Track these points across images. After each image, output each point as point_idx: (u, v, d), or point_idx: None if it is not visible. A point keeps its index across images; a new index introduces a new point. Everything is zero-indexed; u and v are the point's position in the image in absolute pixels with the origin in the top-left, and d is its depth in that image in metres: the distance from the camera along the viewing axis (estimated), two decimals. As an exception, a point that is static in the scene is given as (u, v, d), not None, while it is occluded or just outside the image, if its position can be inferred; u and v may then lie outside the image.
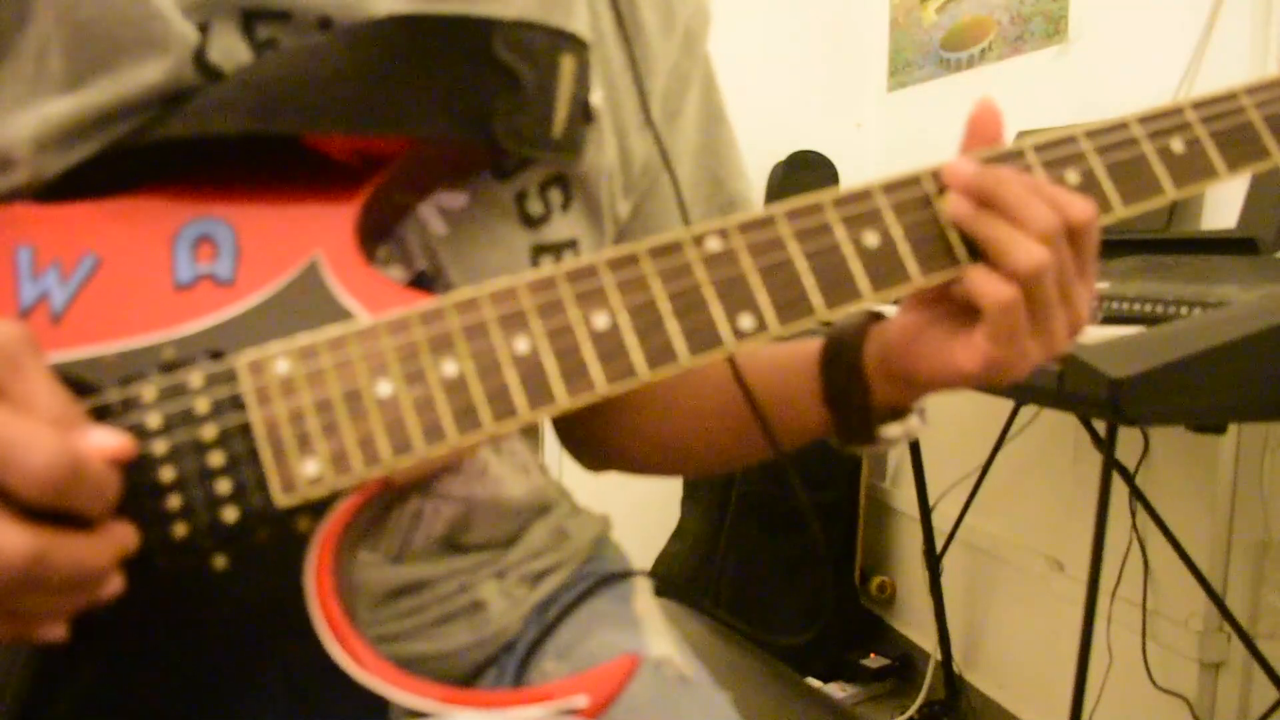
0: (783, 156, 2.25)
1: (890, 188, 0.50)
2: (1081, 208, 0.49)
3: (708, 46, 0.74)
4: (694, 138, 0.72)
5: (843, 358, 0.59)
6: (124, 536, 0.41)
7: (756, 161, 2.23)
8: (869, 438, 0.60)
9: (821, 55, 2.41)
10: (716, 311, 0.47)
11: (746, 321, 0.47)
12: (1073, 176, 0.51)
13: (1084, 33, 1.72)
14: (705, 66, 0.73)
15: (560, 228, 0.62)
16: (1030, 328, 0.49)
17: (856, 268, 0.49)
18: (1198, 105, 0.53)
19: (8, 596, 0.38)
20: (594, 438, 0.74)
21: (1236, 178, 0.53)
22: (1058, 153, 0.52)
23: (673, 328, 0.47)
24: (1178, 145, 0.53)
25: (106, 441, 0.40)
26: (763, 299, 0.48)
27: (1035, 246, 0.47)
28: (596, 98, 0.62)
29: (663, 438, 0.72)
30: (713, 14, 0.74)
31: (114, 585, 0.41)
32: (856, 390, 0.58)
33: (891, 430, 0.59)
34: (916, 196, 0.50)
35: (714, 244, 0.48)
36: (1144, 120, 0.53)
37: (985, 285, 0.48)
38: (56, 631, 0.40)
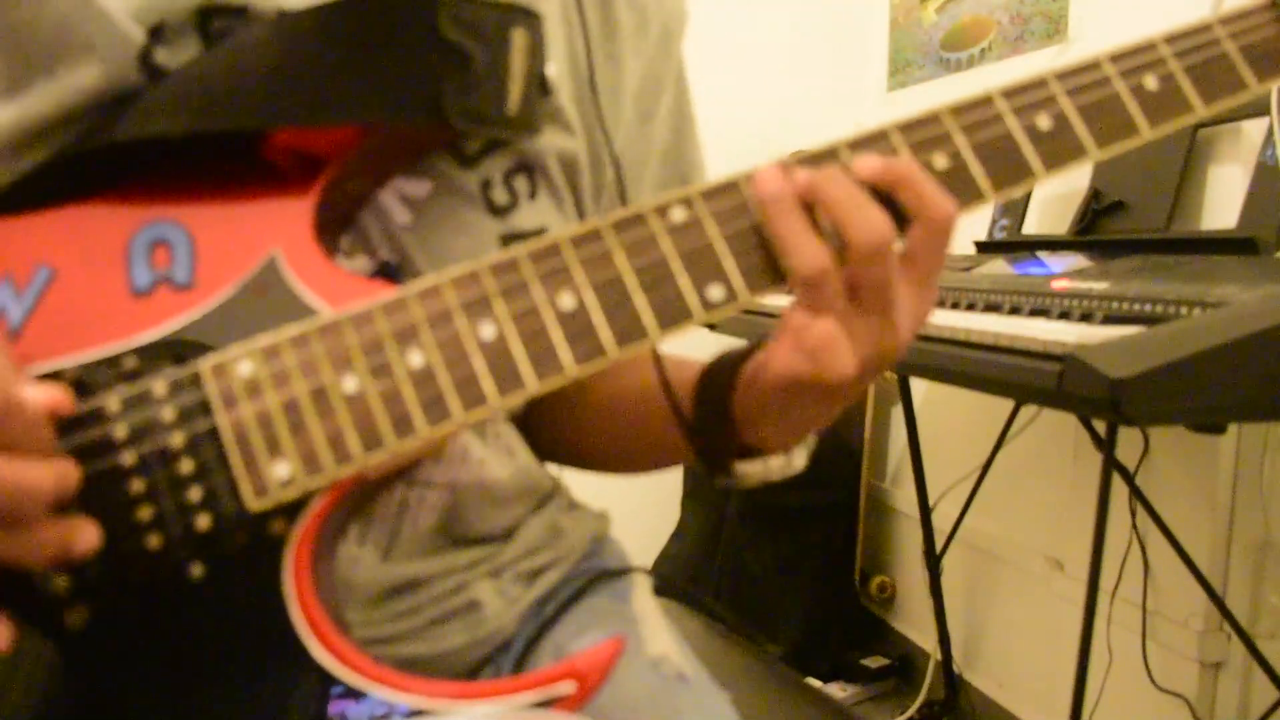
0: (783, 156, 2.25)
1: (855, 145, 0.49)
2: (941, 204, 0.46)
3: (683, 47, 0.73)
4: (665, 138, 0.72)
5: (712, 392, 0.57)
6: (64, 465, 0.41)
7: (756, 161, 2.23)
8: (727, 471, 0.58)
9: (821, 55, 2.40)
10: (684, 283, 0.46)
11: (716, 292, 0.46)
12: (1044, 121, 0.49)
13: (1084, 33, 1.72)
14: (679, 63, 0.73)
15: (529, 216, 0.61)
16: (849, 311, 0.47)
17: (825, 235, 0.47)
18: (1170, 39, 0.51)
19: None
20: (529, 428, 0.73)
21: (1213, 112, 0.51)
22: (1028, 98, 0.49)
23: (640, 303, 0.46)
24: (1151, 82, 0.51)
25: (45, 392, 0.41)
26: (730, 267, 0.47)
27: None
28: (552, 70, 0.61)
29: (597, 444, 0.71)
30: (689, 13, 0.73)
31: (87, 536, 0.41)
32: (716, 426, 0.56)
33: (749, 468, 0.57)
34: (883, 154, 0.48)
35: (679, 214, 0.47)
36: (1116, 58, 0.51)
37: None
38: None
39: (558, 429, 0.71)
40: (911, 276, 0.47)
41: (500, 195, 0.60)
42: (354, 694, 0.45)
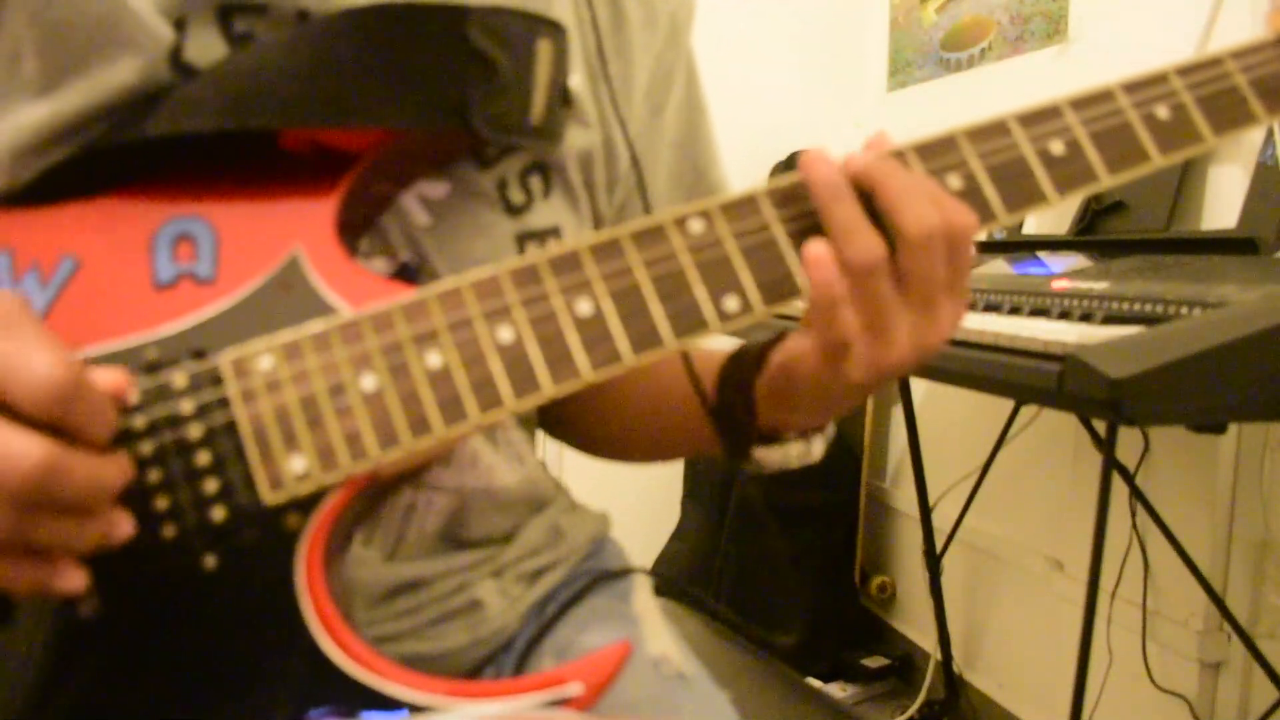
0: (783, 156, 2.25)
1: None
2: (963, 213, 0.47)
3: (692, 38, 0.73)
4: (678, 129, 0.72)
5: (737, 375, 0.58)
6: (125, 462, 0.42)
7: (756, 161, 2.23)
8: (745, 456, 0.58)
9: (821, 55, 2.41)
10: (700, 294, 0.47)
11: (731, 303, 0.47)
12: (1057, 147, 0.50)
13: (1084, 33, 1.72)
14: (688, 55, 0.73)
15: (543, 215, 0.62)
16: (863, 326, 0.47)
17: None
18: (1183, 71, 0.53)
19: (24, 517, 0.38)
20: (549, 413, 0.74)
21: (1222, 142, 0.53)
22: (1042, 126, 0.51)
23: (657, 311, 0.47)
24: (1163, 112, 0.52)
25: (109, 375, 0.42)
26: (747, 280, 0.47)
27: (875, 239, 0.46)
28: (575, 81, 0.62)
29: (613, 433, 0.72)
30: (696, 6, 0.74)
31: (124, 527, 0.41)
32: (741, 408, 0.57)
33: (768, 454, 0.58)
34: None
35: (697, 226, 0.48)
36: (1128, 88, 0.52)
37: (812, 269, 0.46)
38: (75, 579, 0.40)
39: (578, 415, 0.72)
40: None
41: (516, 194, 0.61)
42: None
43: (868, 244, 0.46)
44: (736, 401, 0.57)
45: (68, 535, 0.40)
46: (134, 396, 0.44)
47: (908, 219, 0.46)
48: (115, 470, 0.41)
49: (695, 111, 0.74)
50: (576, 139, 0.63)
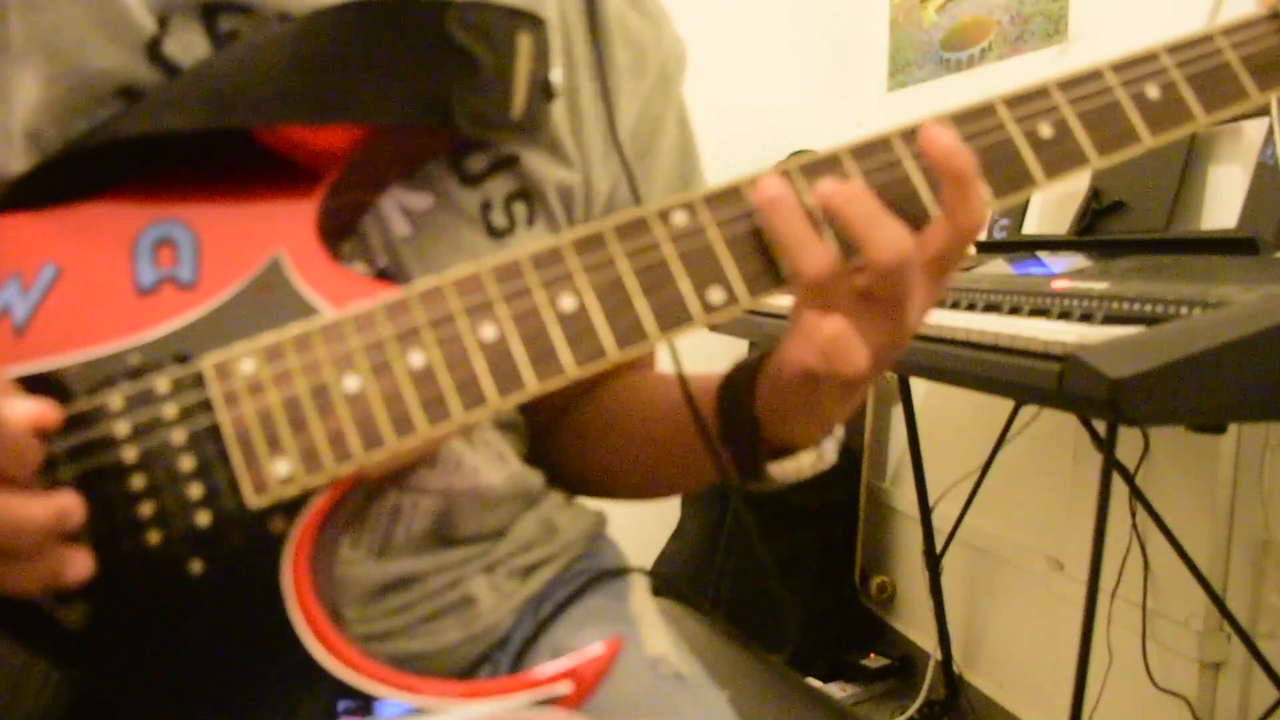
0: (783, 156, 2.25)
1: (858, 152, 0.48)
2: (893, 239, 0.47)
3: (683, 88, 0.73)
4: (669, 176, 0.72)
5: (734, 394, 0.57)
6: (65, 501, 0.40)
7: (756, 161, 2.23)
8: (759, 474, 0.57)
9: (821, 55, 2.40)
10: (685, 286, 0.47)
11: (716, 295, 0.47)
12: (1045, 129, 0.49)
13: (1084, 33, 1.72)
14: (680, 105, 0.73)
15: (525, 242, 0.61)
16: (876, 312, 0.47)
17: (827, 235, 0.48)
18: (1173, 49, 0.52)
19: None
20: (537, 454, 0.73)
21: (1213, 121, 0.52)
22: (1030, 105, 0.50)
23: (641, 305, 0.46)
24: (1153, 91, 0.51)
25: (26, 408, 0.40)
26: (731, 271, 0.47)
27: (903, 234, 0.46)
28: (556, 75, 0.62)
29: (600, 462, 0.71)
30: (688, 56, 0.73)
31: (78, 566, 0.41)
32: (745, 426, 0.56)
33: (781, 468, 0.57)
34: (887, 160, 0.48)
35: (680, 219, 0.47)
36: (1117, 67, 0.51)
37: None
38: None
39: (582, 458, 0.72)
40: (920, 277, 0.48)
41: (499, 218, 0.61)
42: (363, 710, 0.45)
43: (814, 258, 0.46)
44: (738, 421, 0.57)
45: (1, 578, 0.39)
46: (112, 404, 0.44)
47: (873, 250, 0.46)
48: (44, 509, 0.39)
49: (688, 160, 0.73)
50: (557, 171, 0.63)
